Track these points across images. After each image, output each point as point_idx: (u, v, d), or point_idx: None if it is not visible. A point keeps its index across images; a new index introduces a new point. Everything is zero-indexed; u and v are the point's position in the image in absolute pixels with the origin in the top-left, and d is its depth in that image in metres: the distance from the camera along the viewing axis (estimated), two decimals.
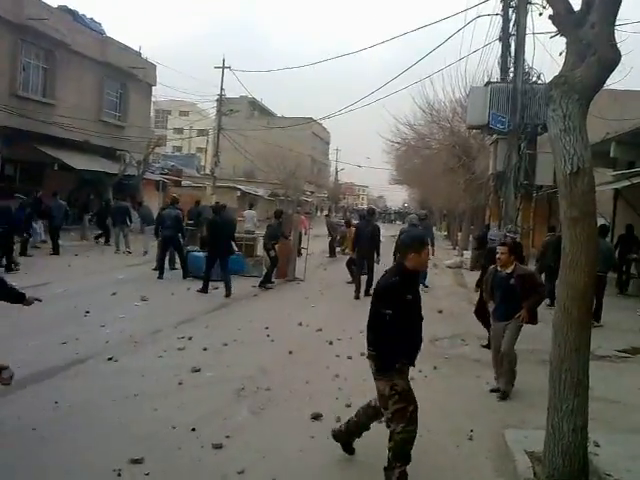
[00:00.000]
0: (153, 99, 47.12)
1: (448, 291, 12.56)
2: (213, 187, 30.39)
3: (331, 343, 7.42)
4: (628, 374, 6.74)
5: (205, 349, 6.87)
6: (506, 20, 10.65)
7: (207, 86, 37.06)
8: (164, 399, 5.14)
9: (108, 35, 23.85)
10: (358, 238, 11.65)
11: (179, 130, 53.14)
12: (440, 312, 10.00)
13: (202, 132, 46.69)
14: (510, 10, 10.39)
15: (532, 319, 5.75)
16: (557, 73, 3.86)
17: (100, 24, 24.38)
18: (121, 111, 24.63)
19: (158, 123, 63.42)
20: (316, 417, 4.81)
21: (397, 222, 65.98)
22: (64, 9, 21.80)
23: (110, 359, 6.22)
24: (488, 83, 10.84)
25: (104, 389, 5.29)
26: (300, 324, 8.40)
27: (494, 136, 11.26)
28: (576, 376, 3.61)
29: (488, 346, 6.61)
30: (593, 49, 3.64)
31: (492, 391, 5.74)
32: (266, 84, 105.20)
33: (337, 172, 68.19)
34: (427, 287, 11.89)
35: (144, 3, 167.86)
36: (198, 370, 5.99)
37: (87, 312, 8.46)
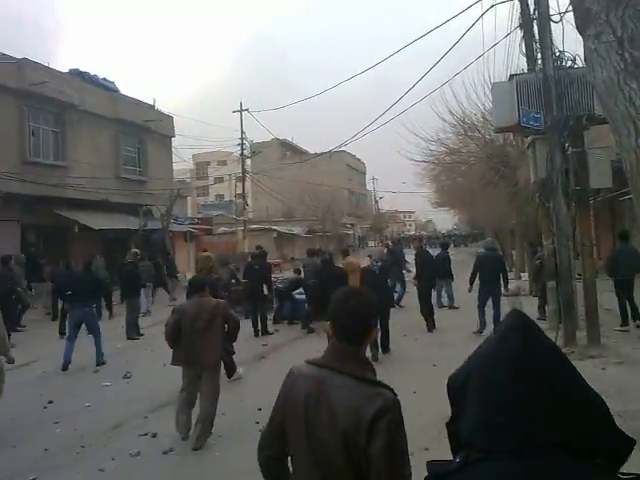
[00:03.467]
0: (194, 152, 48.09)
1: None
2: (244, 231, 29.27)
3: None
4: None
5: (168, 452, 5.21)
6: (525, 2, 8.84)
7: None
8: None
9: (122, 93, 23.63)
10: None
11: (219, 179, 53.32)
12: None
13: (239, 178, 46.50)
14: None
15: None
16: None
17: (113, 82, 24.19)
18: (141, 165, 24.09)
19: (199, 174, 64.62)
20: None
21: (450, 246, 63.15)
22: (74, 72, 21.69)
23: None
24: (512, 76, 8.95)
25: None
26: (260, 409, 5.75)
27: (529, 137, 9.29)
28: None
29: None
30: None
31: None
32: (299, 125, 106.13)
33: (376, 201, 66.54)
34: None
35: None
36: None
37: (50, 402, 7.04)
